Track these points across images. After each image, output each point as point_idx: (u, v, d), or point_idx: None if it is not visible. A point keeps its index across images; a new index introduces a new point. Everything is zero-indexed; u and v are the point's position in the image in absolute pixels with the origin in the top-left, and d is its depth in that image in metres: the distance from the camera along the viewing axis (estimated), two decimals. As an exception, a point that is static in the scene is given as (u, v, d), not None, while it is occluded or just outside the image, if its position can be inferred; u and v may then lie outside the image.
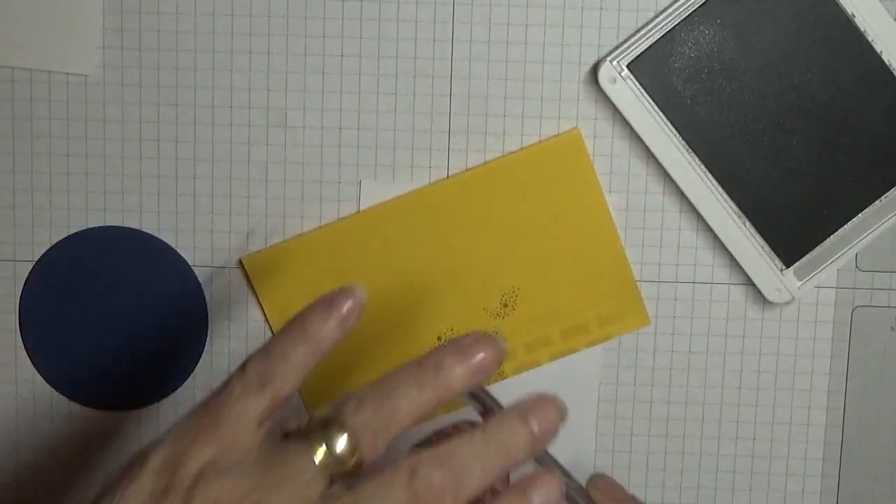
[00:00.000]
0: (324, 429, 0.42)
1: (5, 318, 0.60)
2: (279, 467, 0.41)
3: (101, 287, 0.60)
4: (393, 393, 0.43)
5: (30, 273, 0.60)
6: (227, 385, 0.43)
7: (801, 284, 0.59)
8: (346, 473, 0.42)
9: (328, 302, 0.44)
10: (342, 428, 0.42)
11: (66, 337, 0.60)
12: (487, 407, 0.45)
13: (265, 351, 0.44)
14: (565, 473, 0.46)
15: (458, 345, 0.44)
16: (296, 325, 0.44)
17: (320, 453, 0.42)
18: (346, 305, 0.44)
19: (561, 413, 0.44)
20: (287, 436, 0.43)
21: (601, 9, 0.58)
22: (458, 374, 0.43)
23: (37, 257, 0.60)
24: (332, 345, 0.44)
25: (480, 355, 0.44)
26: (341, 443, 0.42)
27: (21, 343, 0.61)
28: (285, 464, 0.41)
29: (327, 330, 0.44)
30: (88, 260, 0.60)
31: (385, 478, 0.41)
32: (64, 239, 0.60)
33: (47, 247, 0.60)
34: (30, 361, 0.61)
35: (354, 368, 0.60)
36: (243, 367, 0.44)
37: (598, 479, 0.52)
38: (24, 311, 0.60)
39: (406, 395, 0.43)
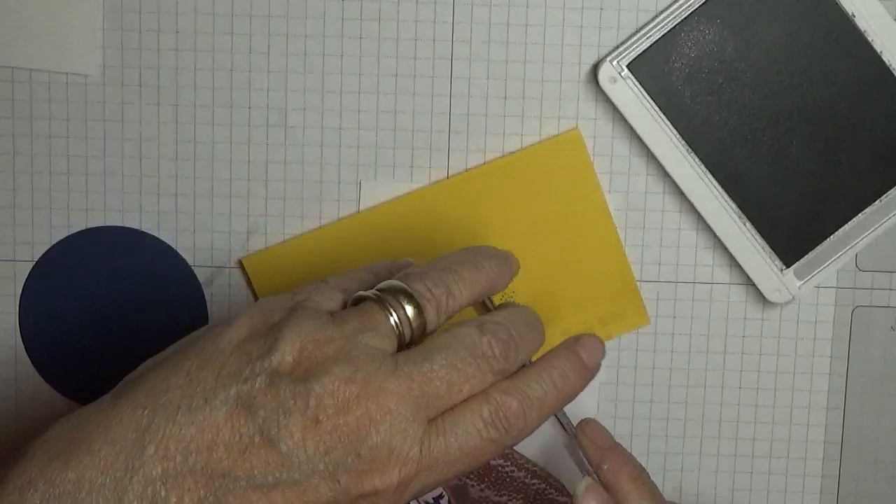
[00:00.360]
0: (394, 296, 0.46)
1: (5, 318, 0.60)
2: (359, 319, 0.45)
3: (101, 287, 0.60)
4: (450, 271, 0.47)
5: (30, 273, 0.60)
6: (306, 285, 0.48)
7: (801, 284, 0.59)
8: (411, 339, 0.46)
9: (393, 264, 0.51)
10: (409, 297, 0.46)
11: (66, 337, 0.60)
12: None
13: (343, 275, 0.49)
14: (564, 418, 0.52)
15: (502, 251, 0.50)
16: (366, 269, 0.50)
17: (393, 315, 0.45)
18: (387, 264, 0.51)
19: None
20: (358, 300, 0.47)
21: (601, 9, 0.58)
22: (506, 268, 0.49)
23: (37, 257, 0.60)
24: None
25: (517, 263, 0.51)
26: (409, 308, 0.46)
27: (21, 343, 0.61)
28: (363, 319, 0.45)
29: (387, 269, 0.50)
30: (88, 260, 0.60)
31: (452, 331, 0.46)
32: (64, 239, 0.60)
33: (47, 247, 0.60)
34: (30, 361, 0.61)
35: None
36: (324, 279, 0.48)
37: (585, 423, 0.53)
38: (24, 311, 0.60)
39: (460, 274, 0.47)
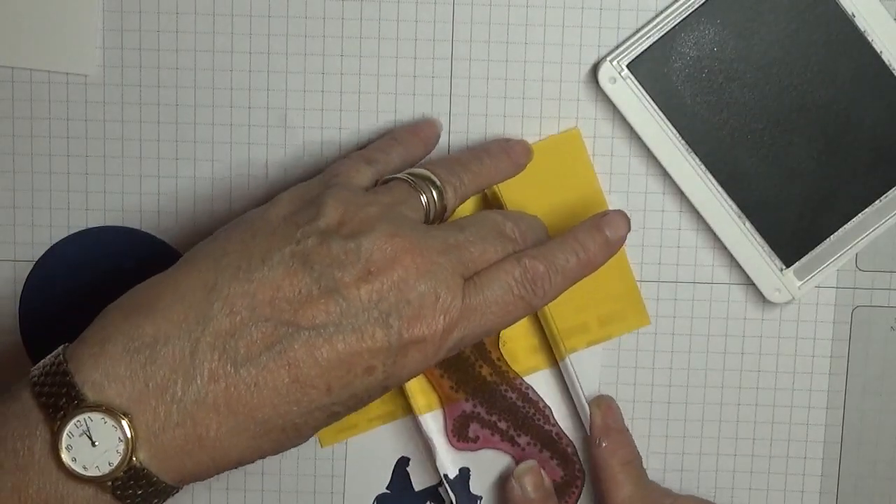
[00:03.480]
0: (422, 179, 0.51)
1: (5, 318, 0.60)
2: (392, 195, 0.50)
3: (101, 287, 0.60)
4: (460, 162, 0.54)
5: (30, 273, 0.60)
6: (338, 161, 0.53)
7: (801, 284, 0.59)
8: (437, 216, 0.52)
9: (415, 126, 0.57)
10: (434, 183, 0.52)
11: (66, 337, 0.60)
12: None
13: (368, 147, 0.55)
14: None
15: (502, 141, 0.57)
16: (389, 137, 0.56)
17: (423, 195, 0.51)
18: (427, 130, 0.56)
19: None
20: (388, 181, 0.52)
21: (601, 9, 0.58)
22: (506, 162, 0.56)
23: (37, 257, 0.60)
24: (416, 159, 0.55)
25: (518, 153, 0.57)
26: (434, 192, 0.51)
27: (21, 343, 0.61)
28: (396, 194, 0.50)
29: (413, 144, 0.55)
30: (88, 260, 0.60)
31: (480, 216, 0.51)
32: (64, 239, 0.60)
33: (47, 247, 0.60)
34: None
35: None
36: (349, 154, 0.54)
37: (603, 398, 0.60)
38: (24, 311, 0.60)
39: (468, 167, 0.54)
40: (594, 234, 0.51)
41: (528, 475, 0.58)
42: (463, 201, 0.54)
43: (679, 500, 0.59)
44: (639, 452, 0.60)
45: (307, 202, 0.49)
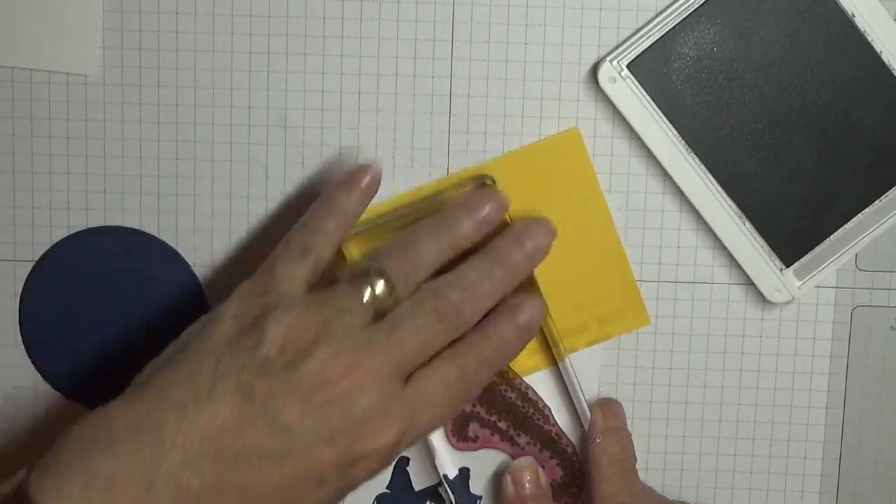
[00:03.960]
0: (366, 275, 0.51)
1: (5, 318, 0.60)
2: (333, 304, 0.50)
3: (101, 287, 0.60)
4: (417, 244, 0.53)
5: (30, 273, 0.60)
6: (272, 259, 0.52)
7: (801, 284, 0.59)
8: (386, 310, 0.51)
9: (349, 178, 0.54)
10: (380, 274, 0.51)
11: (66, 337, 0.60)
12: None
13: (301, 225, 0.53)
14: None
15: (469, 202, 0.55)
16: (325, 202, 0.53)
17: (366, 294, 0.51)
18: (366, 179, 0.54)
19: (550, 232, 0.55)
20: (333, 281, 0.52)
21: (601, 9, 0.58)
22: (469, 228, 0.54)
23: (37, 257, 0.60)
24: (357, 215, 0.54)
25: (486, 209, 0.55)
26: (380, 285, 0.51)
27: (21, 343, 0.61)
28: (338, 301, 0.50)
29: (351, 203, 0.53)
30: (88, 260, 0.60)
31: (414, 301, 0.51)
32: (64, 239, 0.60)
33: (47, 247, 0.60)
34: (30, 361, 0.61)
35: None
36: (286, 241, 0.53)
37: (607, 399, 0.60)
38: (24, 311, 0.60)
39: (427, 246, 0.53)
40: (512, 323, 0.54)
41: (525, 471, 0.59)
42: (422, 280, 0.53)
43: None
44: (635, 454, 0.59)
45: (249, 323, 0.50)
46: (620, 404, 0.60)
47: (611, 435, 0.59)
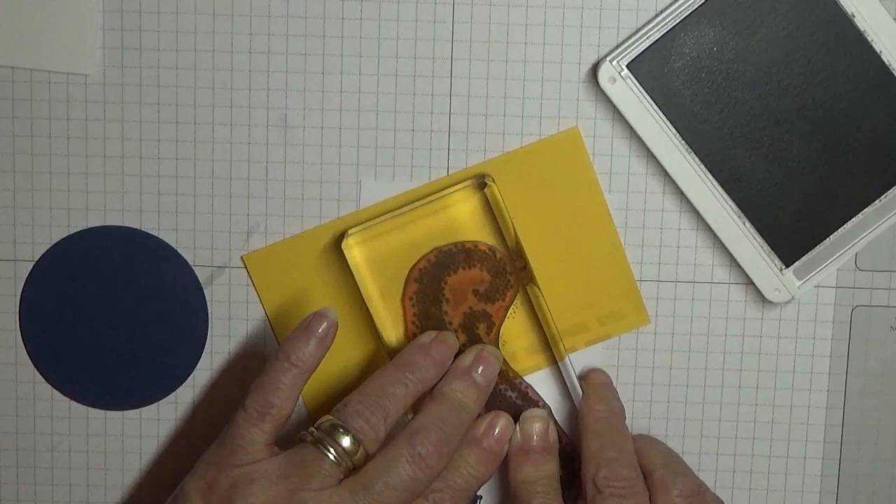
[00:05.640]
0: (330, 434, 0.52)
1: (5, 318, 0.60)
2: (301, 469, 0.51)
3: (101, 287, 0.60)
4: (381, 394, 0.54)
5: (30, 273, 0.60)
6: (233, 421, 0.53)
7: (801, 284, 0.59)
8: (356, 465, 0.52)
9: (305, 328, 0.54)
10: (346, 431, 0.52)
11: (66, 337, 0.60)
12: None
13: (259, 383, 0.54)
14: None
15: (422, 342, 0.57)
16: (281, 355, 0.54)
17: (332, 453, 0.52)
18: (321, 328, 0.54)
19: (497, 360, 0.57)
20: (299, 441, 0.53)
21: (601, 9, 0.58)
22: (428, 367, 0.56)
23: (37, 257, 0.60)
24: (315, 365, 0.54)
25: (439, 351, 0.56)
26: (346, 441, 0.52)
27: (21, 343, 0.61)
28: (305, 465, 0.51)
29: (309, 354, 0.54)
30: (88, 260, 0.60)
31: (388, 453, 0.53)
32: (64, 239, 0.60)
33: (47, 247, 0.60)
34: (30, 361, 0.61)
35: (355, 365, 0.60)
36: (244, 405, 0.53)
37: (590, 370, 0.61)
38: (24, 311, 0.60)
39: (392, 394, 0.54)
40: (477, 452, 0.56)
41: (535, 422, 0.59)
42: (388, 430, 0.54)
43: (656, 456, 0.58)
44: (623, 411, 0.59)
45: (213, 500, 0.51)
46: (605, 371, 0.60)
47: (596, 394, 0.59)
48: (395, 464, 0.52)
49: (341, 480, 0.52)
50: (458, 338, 0.59)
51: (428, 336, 0.57)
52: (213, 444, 0.54)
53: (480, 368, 0.57)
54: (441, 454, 0.53)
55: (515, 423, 0.59)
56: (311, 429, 0.53)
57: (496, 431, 0.57)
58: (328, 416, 0.53)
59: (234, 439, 0.53)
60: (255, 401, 0.53)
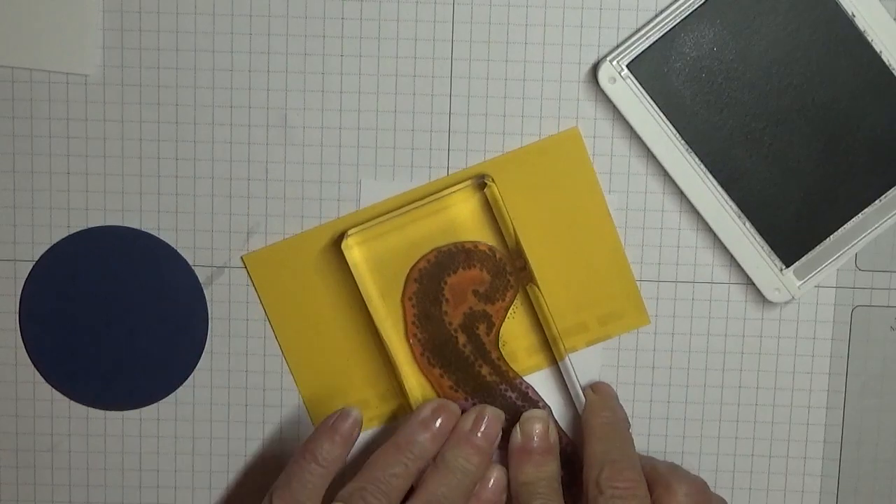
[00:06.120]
0: None
1: (5, 318, 0.61)
2: None
3: (101, 287, 0.60)
4: (384, 475, 0.55)
5: (30, 273, 0.60)
6: None
7: (801, 284, 0.59)
8: None
9: (330, 428, 0.56)
10: None
11: (66, 337, 0.60)
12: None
13: (286, 480, 0.55)
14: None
15: (421, 417, 0.57)
16: (307, 452, 0.56)
17: None
18: (345, 427, 0.56)
19: (497, 418, 0.58)
20: None
21: (601, 9, 0.58)
22: (427, 444, 0.57)
23: (37, 257, 0.60)
24: (341, 463, 0.56)
25: (440, 422, 0.57)
26: None
27: (21, 343, 0.61)
28: None
29: (335, 455, 0.56)
30: (88, 260, 0.60)
31: None
32: (64, 239, 0.60)
33: (47, 247, 0.60)
34: (30, 361, 0.61)
35: (355, 366, 0.60)
36: (271, 500, 0.55)
37: (596, 383, 0.61)
38: (24, 311, 0.60)
39: (395, 475, 0.56)
40: (470, 454, 0.57)
41: (536, 423, 0.59)
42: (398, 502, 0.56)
43: (658, 464, 0.59)
44: (627, 420, 0.59)
45: None
46: (610, 385, 0.60)
47: (600, 400, 0.59)
48: None
49: None
50: (458, 338, 0.59)
51: (428, 409, 0.58)
52: None
53: (481, 430, 0.58)
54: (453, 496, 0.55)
55: (515, 423, 0.59)
56: None
57: (491, 483, 0.58)
58: (338, 498, 0.55)
59: None
60: (284, 499, 0.55)
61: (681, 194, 0.59)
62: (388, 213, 0.59)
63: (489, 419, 0.58)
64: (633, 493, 0.55)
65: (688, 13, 0.57)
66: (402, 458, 0.56)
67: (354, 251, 0.59)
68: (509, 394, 0.60)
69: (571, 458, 0.60)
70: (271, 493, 0.55)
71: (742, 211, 0.58)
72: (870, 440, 0.61)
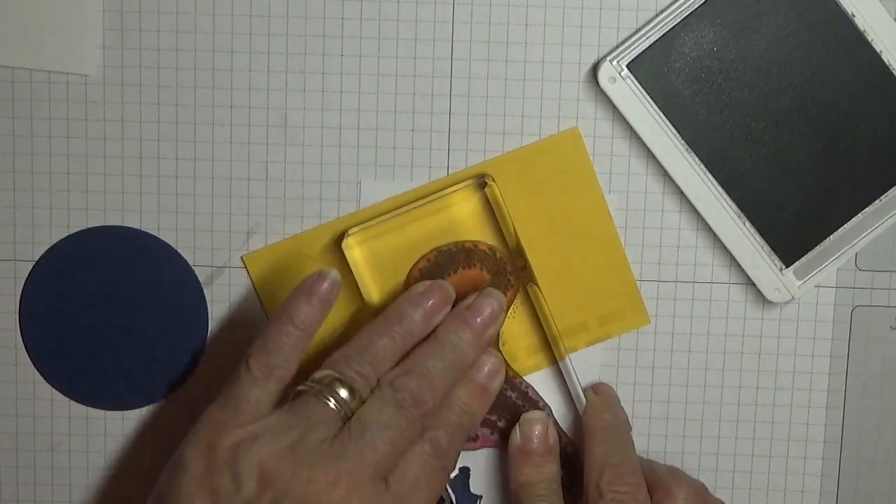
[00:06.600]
0: (328, 385, 0.53)
1: (5, 318, 0.61)
2: (304, 419, 0.52)
3: (101, 287, 0.60)
4: (372, 346, 0.54)
5: (30, 273, 0.60)
6: (236, 381, 0.53)
7: (801, 284, 0.59)
8: (353, 412, 0.53)
9: (307, 290, 0.54)
10: (342, 382, 0.53)
11: (66, 337, 0.60)
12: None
13: (262, 344, 0.54)
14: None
15: (413, 294, 0.56)
16: (284, 315, 0.54)
17: (331, 402, 0.52)
18: (323, 288, 0.54)
19: (499, 302, 0.57)
20: (297, 395, 0.53)
21: (601, 9, 0.58)
22: (417, 319, 0.56)
23: (37, 257, 0.60)
24: (318, 325, 0.55)
25: (431, 301, 0.56)
26: (343, 392, 0.53)
27: (21, 343, 0.61)
28: (308, 416, 0.52)
29: (312, 316, 0.54)
30: (88, 260, 0.60)
31: (375, 399, 0.53)
32: (64, 239, 0.60)
33: (47, 247, 0.60)
34: (30, 361, 0.61)
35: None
36: (247, 364, 0.53)
37: (597, 384, 0.60)
38: (24, 311, 0.60)
39: (382, 346, 0.54)
40: (471, 388, 0.56)
41: (535, 425, 0.59)
42: (381, 377, 0.54)
43: (658, 468, 0.59)
44: (629, 423, 0.60)
45: (220, 466, 0.51)
46: (611, 387, 0.60)
47: (602, 402, 0.59)
48: (381, 406, 0.53)
49: (342, 426, 0.53)
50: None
51: (421, 287, 0.57)
52: (213, 406, 0.53)
53: (480, 312, 0.56)
54: (423, 395, 0.53)
55: (516, 423, 0.59)
56: (309, 383, 0.53)
57: (486, 367, 0.56)
58: (324, 371, 0.53)
59: (238, 400, 0.53)
60: (260, 361, 0.53)
61: (681, 194, 0.59)
62: (388, 212, 0.59)
63: (490, 301, 0.57)
64: (634, 497, 0.55)
65: (688, 13, 0.57)
66: (391, 331, 0.55)
67: (355, 251, 0.59)
68: (509, 393, 0.60)
69: (571, 458, 0.60)
70: (247, 357, 0.54)
71: (742, 211, 0.58)
72: (870, 440, 0.61)
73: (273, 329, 0.54)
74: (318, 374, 0.53)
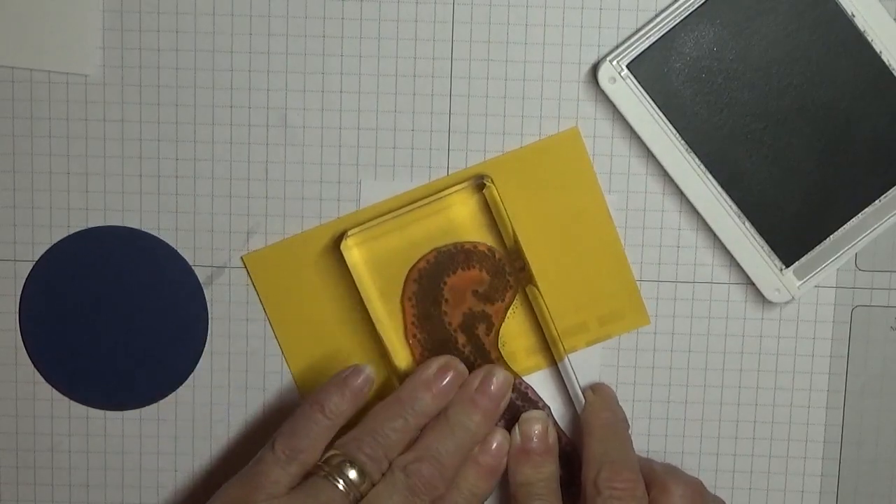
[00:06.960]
0: (338, 467, 0.54)
1: (5, 318, 0.61)
2: (313, 500, 0.53)
3: (101, 287, 0.60)
4: (383, 429, 0.55)
5: (30, 273, 0.60)
6: (260, 460, 0.55)
7: (801, 284, 0.59)
8: (363, 494, 0.54)
9: (342, 381, 0.56)
10: (352, 464, 0.54)
11: (65, 336, 0.60)
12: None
13: (290, 428, 0.55)
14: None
15: (425, 376, 0.57)
16: (315, 402, 0.56)
17: (340, 484, 0.53)
18: (357, 382, 0.56)
19: (506, 380, 0.58)
20: (308, 476, 0.54)
21: (601, 9, 0.58)
22: (428, 401, 0.56)
23: (37, 257, 0.60)
24: (347, 417, 0.56)
25: (443, 382, 0.57)
26: (353, 474, 0.53)
27: (21, 343, 0.61)
28: (318, 497, 0.53)
29: (343, 408, 0.56)
30: (88, 260, 0.60)
31: (386, 483, 0.54)
32: (64, 239, 0.60)
33: (47, 247, 0.60)
34: (30, 361, 0.61)
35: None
36: (273, 446, 0.55)
37: (596, 384, 0.61)
38: (24, 311, 0.60)
39: (394, 428, 0.55)
40: (478, 471, 0.57)
41: (535, 424, 0.59)
42: (392, 460, 0.55)
43: (656, 465, 0.59)
44: (627, 422, 0.60)
45: None
46: (610, 387, 0.60)
47: (601, 401, 0.59)
48: (393, 491, 0.54)
49: None
50: (457, 338, 0.59)
51: (432, 367, 0.57)
52: (235, 479, 0.55)
53: (488, 391, 0.57)
54: (435, 482, 0.55)
55: (515, 423, 0.59)
56: (320, 464, 0.54)
57: (493, 447, 0.57)
58: (335, 452, 0.54)
59: (258, 478, 0.54)
60: (285, 444, 0.55)
61: (681, 194, 0.59)
62: (388, 213, 0.59)
63: (497, 380, 0.57)
64: (632, 494, 0.55)
65: (688, 13, 0.57)
66: (403, 413, 0.56)
67: (354, 252, 0.59)
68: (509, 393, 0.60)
69: (571, 457, 0.60)
70: (274, 439, 0.55)
71: (742, 211, 0.58)
72: (870, 440, 0.61)
73: (302, 414, 0.55)
74: (330, 456, 0.54)
